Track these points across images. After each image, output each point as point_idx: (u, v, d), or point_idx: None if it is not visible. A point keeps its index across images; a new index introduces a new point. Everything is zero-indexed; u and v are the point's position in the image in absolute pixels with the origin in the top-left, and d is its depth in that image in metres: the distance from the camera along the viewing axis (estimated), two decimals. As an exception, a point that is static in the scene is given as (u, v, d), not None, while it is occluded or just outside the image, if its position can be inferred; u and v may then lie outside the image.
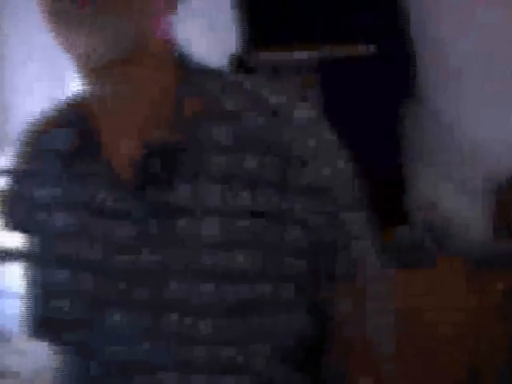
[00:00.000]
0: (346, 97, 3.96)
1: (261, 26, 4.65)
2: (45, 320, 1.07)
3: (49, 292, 1.07)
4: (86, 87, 1.05)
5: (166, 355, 0.99)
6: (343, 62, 4.13)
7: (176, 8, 1.05)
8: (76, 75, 1.05)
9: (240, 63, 4.46)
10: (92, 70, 1.01)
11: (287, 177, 0.99)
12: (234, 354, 0.99)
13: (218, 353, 0.98)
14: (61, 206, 1.08)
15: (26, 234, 1.15)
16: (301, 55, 4.38)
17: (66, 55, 1.01)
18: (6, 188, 1.19)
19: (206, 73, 1.06)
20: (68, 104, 1.13)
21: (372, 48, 4.13)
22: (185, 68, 1.05)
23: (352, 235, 1.04)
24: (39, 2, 1.00)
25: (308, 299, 1.04)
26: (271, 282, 0.99)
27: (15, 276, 1.31)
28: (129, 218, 1.02)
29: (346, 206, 1.03)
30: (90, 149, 1.06)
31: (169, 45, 1.06)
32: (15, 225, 1.16)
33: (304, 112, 1.04)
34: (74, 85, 1.11)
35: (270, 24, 4.50)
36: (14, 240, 1.22)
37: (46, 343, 1.11)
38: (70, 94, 1.15)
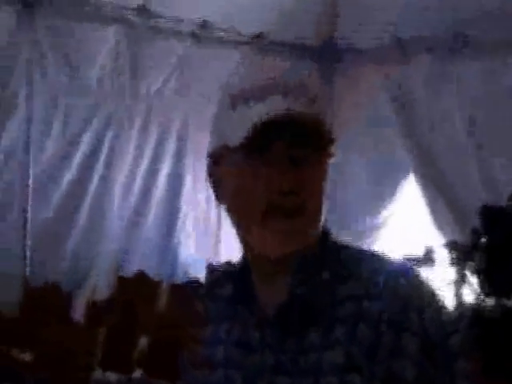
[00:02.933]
0: None
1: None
2: None
3: None
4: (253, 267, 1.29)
5: None
6: None
7: None
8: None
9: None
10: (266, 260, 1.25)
11: (407, 319, 1.16)
12: None
13: None
14: (219, 340, 1.31)
15: None
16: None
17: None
18: None
19: (341, 245, 1.30)
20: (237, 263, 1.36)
21: None
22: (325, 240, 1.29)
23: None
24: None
25: None
26: None
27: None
28: (267, 350, 1.25)
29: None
30: (248, 295, 1.30)
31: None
32: None
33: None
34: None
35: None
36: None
37: None
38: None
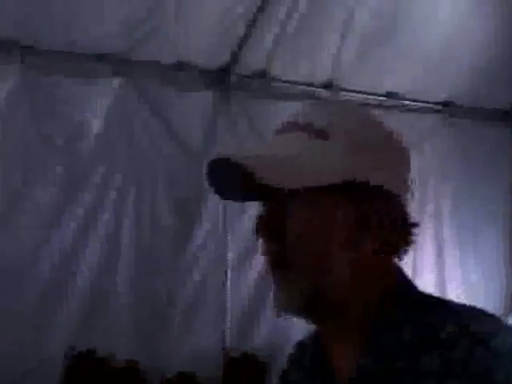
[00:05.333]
0: None
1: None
2: None
3: None
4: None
5: None
6: None
7: None
8: None
9: None
10: None
11: None
12: None
13: None
14: None
15: None
16: None
17: None
18: None
19: (426, 304, 1.20)
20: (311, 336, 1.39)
21: None
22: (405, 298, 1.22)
23: None
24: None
25: None
26: None
27: None
28: None
29: None
30: (322, 365, 1.30)
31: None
32: None
33: (505, 341, 1.12)
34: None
35: None
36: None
37: None
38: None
